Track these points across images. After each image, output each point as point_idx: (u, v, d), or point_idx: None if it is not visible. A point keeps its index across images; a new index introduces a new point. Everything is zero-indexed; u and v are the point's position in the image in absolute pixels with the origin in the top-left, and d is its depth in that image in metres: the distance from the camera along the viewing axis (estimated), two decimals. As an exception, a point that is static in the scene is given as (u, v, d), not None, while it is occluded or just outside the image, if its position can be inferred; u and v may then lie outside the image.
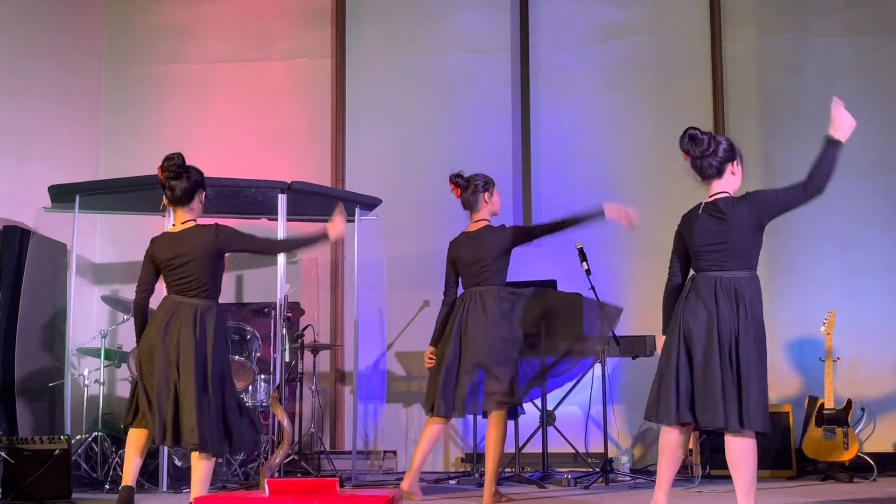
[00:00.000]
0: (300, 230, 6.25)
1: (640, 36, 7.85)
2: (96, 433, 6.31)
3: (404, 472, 5.47)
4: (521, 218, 7.56)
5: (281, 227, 6.36)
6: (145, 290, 4.69)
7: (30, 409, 6.65)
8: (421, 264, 7.43)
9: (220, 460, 5.81)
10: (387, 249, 7.44)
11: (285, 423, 5.36)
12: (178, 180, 4.56)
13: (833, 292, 7.19)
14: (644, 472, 6.64)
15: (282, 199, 6.37)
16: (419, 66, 8.01)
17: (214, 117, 8.05)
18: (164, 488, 5.91)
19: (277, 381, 6.27)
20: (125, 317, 6.76)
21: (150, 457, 5.92)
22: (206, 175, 4.70)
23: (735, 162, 4.13)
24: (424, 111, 7.92)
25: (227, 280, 4.77)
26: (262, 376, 6.51)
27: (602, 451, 6.47)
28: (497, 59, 7.93)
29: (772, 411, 6.50)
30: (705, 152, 4.09)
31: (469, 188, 5.21)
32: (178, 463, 6.05)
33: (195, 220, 4.65)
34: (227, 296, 5.00)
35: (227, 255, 4.77)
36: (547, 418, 6.43)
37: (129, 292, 7.38)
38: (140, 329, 4.65)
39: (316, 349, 6.98)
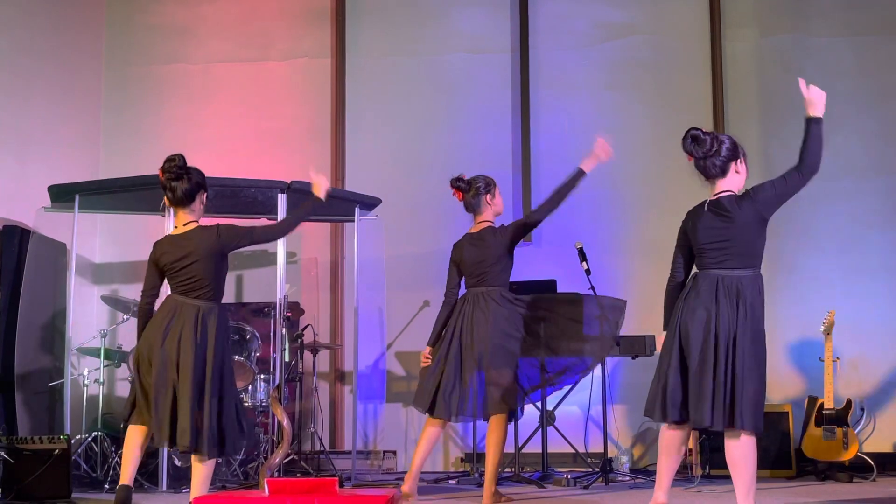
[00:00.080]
0: (300, 230, 6.26)
1: (640, 36, 7.84)
2: (96, 433, 6.31)
3: (404, 472, 5.49)
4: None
5: (281, 228, 6.36)
6: (150, 296, 4.68)
7: (30, 409, 6.65)
8: (421, 264, 7.43)
9: (220, 460, 5.81)
10: (387, 249, 7.44)
11: (285, 422, 5.36)
12: (180, 181, 4.55)
13: (833, 292, 7.18)
14: (644, 472, 6.64)
15: (282, 199, 6.37)
16: (419, 66, 8.00)
17: (214, 117, 8.05)
18: (164, 488, 5.91)
19: (277, 381, 6.27)
20: (125, 316, 6.76)
21: (150, 457, 5.93)
22: (206, 175, 4.69)
23: (738, 160, 4.15)
24: (424, 111, 7.91)
25: (228, 280, 4.77)
26: (262, 376, 6.51)
27: (602, 450, 6.46)
28: (497, 59, 7.92)
29: (771, 411, 6.52)
30: (708, 153, 4.10)
31: (471, 191, 5.23)
32: (178, 463, 6.05)
33: (197, 222, 4.64)
34: (227, 296, 5.00)
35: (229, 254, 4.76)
36: (547, 418, 6.43)
37: (128, 292, 7.41)
38: (142, 332, 4.65)
39: (316, 349, 6.98)
